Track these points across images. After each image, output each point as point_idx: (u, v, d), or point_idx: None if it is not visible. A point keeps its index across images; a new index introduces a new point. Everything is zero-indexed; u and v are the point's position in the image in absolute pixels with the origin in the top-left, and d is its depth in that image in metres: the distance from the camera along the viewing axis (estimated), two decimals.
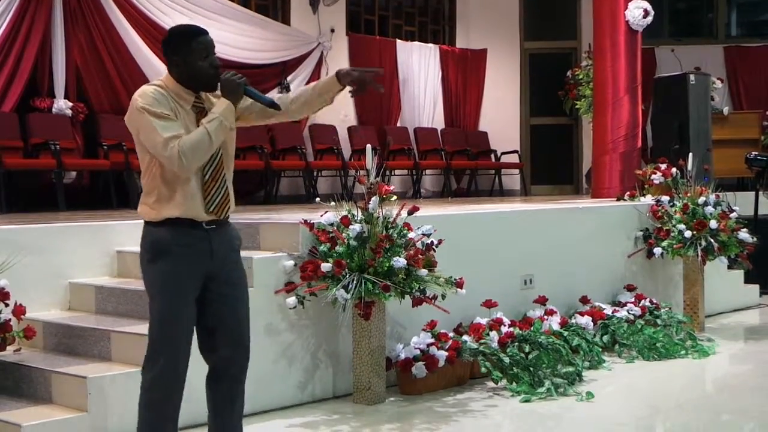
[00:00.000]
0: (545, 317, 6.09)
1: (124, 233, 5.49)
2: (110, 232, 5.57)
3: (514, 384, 5.32)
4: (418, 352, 5.33)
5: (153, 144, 3.37)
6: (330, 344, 5.23)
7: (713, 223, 7.00)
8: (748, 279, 8.52)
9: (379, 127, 11.77)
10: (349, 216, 5.03)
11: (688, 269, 7.35)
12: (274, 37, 10.78)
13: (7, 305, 4.62)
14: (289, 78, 10.74)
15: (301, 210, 6.53)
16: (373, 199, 5.02)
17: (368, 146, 5.23)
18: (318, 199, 5.78)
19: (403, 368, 5.27)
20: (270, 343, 4.95)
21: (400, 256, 4.89)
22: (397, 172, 11.79)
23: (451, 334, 5.56)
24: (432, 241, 5.13)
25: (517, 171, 12.92)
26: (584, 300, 6.62)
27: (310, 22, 11.25)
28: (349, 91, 3.80)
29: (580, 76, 12.03)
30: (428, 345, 5.37)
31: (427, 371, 5.26)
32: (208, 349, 3.58)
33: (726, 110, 11.76)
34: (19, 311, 4.68)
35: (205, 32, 3.53)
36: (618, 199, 7.91)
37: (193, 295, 3.48)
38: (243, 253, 5.00)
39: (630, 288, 7.07)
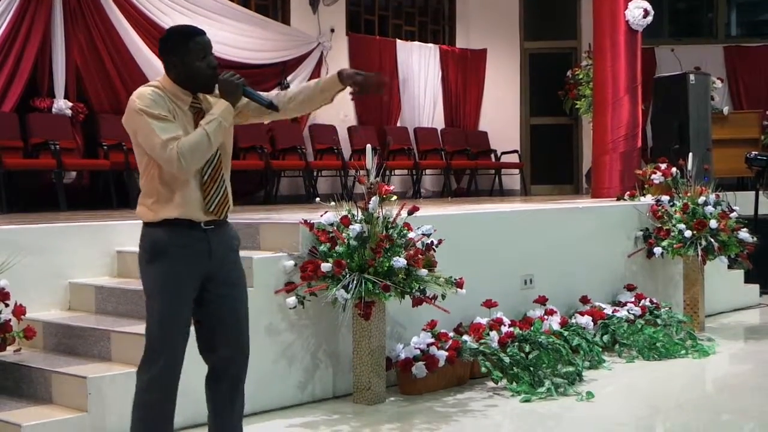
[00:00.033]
0: (545, 317, 6.09)
1: (125, 233, 5.49)
2: (110, 232, 5.57)
3: (515, 384, 5.32)
4: (418, 352, 5.33)
5: (151, 146, 3.36)
6: (330, 344, 5.23)
7: (713, 223, 7.00)
8: (748, 279, 8.52)
9: (379, 127, 11.77)
10: (349, 216, 5.03)
11: (688, 269, 7.35)
12: (274, 37, 10.78)
13: (7, 305, 4.63)
14: (289, 78, 10.74)
15: (301, 210, 6.53)
16: (373, 199, 5.02)
17: (368, 146, 5.22)
18: (318, 199, 5.78)
19: (403, 368, 5.27)
20: (270, 343, 4.95)
21: (400, 256, 4.89)
22: (397, 172, 11.79)
23: (451, 334, 5.56)
24: (432, 241, 5.13)
25: (517, 171, 12.93)
26: (584, 300, 6.62)
27: (310, 22, 11.26)
28: (350, 93, 3.78)
29: (580, 76, 12.03)
30: (428, 345, 5.37)
31: (427, 371, 5.26)
32: (207, 349, 3.58)
33: (726, 110, 11.76)
34: (19, 311, 4.68)
35: (202, 33, 3.52)
36: (618, 199, 7.91)
37: (191, 295, 3.48)
38: (243, 253, 5.00)
39: (630, 288, 7.07)
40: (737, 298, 8.42)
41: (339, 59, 11.48)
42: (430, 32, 13.19)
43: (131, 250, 5.28)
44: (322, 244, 4.99)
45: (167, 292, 3.43)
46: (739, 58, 13.45)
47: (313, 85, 3.77)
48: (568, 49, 13.33)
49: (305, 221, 5.06)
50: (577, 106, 12.19)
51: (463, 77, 13.12)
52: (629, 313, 6.60)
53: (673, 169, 7.68)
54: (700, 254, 7.01)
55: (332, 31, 11.46)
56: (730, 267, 7.96)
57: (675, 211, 7.21)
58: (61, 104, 8.74)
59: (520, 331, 5.68)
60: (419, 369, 5.24)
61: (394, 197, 5.15)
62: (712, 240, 7.00)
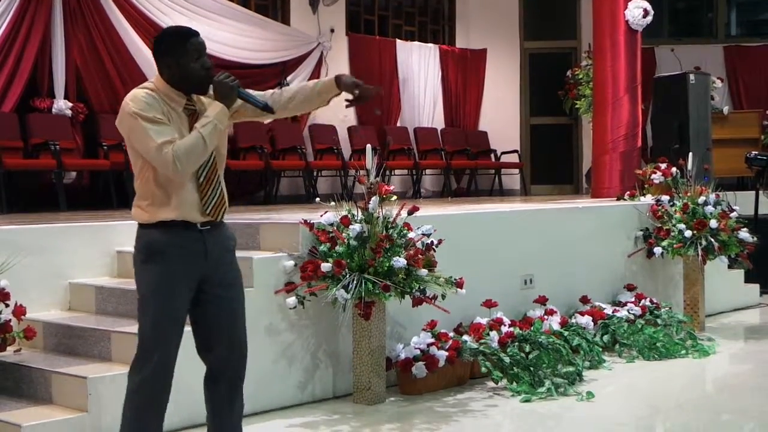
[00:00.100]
0: (545, 317, 6.08)
1: (125, 233, 5.48)
2: (110, 232, 5.57)
3: (515, 384, 5.32)
4: (418, 352, 5.33)
5: (146, 149, 3.35)
6: (330, 344, 5.23)
7: (713, 223, 7.00)
8: (749, 278, 8.52)
9: (379, 127, 11.77)
10: (349, 216, 5.03)
11: (689, 269, 7.35)
12: (274, 37, 10.78)
13: (7, 306, 4.63)
14: (289, 78, 10.74)
15: (301, 210, 6.53)
16: (373, 199, 5.02)
17: (368, 146, 5.22)
18: (318, 199, 5.78)
19: (403, 368, 5.27)
20: (270, 343, 4.95)
21: (400, 256, 4.89)
22: (397, 172, 11.80)
23: (451, 334, 5.56)
24: (432, 241, 5.13)
25: (517, 171, 12.93)
26: (584, 300, 6.62)
27: (309, 22, 11.26)
28: (346, 100, 3.76)
29: (580, 76, 12.03)
30: (428, 345, 5.37)
31: (427, 371, 5.25)
32: (204, 349, 3.58)
33: (726, 110, 11.75)
34: (19, 312, 4.68)
35: (196, 34, 3.49)
36: (618, 199, 7.91)
37: (186, 296, 3.47)
38: (243, 253, 5.03)
39: (630, 288, 7.07)
40: (737, 298, 8.42)
41: (339, 59, 11.49)
42: (430, 32, 13.19)
43: (131, 251, 5.27)
44: (322, 244, 4.99)
45: (161, 292, 3.42)
46: (739, 57, 13.44)
47: (310, 87, 3.76)
48: (568, 49, 13.33)
49: (305, 221, 5.06)
50: (577, 106, 12.19)
51: (463, 77, 13.12)
52: (629, 313, 6.60)
53: (673, 169, 7.68)
54: (700, 254, 7.01)
55: (332, 31, 11.46)
56: (730, 267, 7.96)
57: (675, 210, 7.21)
58: (61, 104, 8.74)
59: (520, 331, 5.68)
60: (419, 369, 5.24)
61: (394, 197, 5.15)
62: (712, 240, 7.00)
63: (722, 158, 9.94)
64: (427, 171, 12.24)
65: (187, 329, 3.55)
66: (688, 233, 7.01)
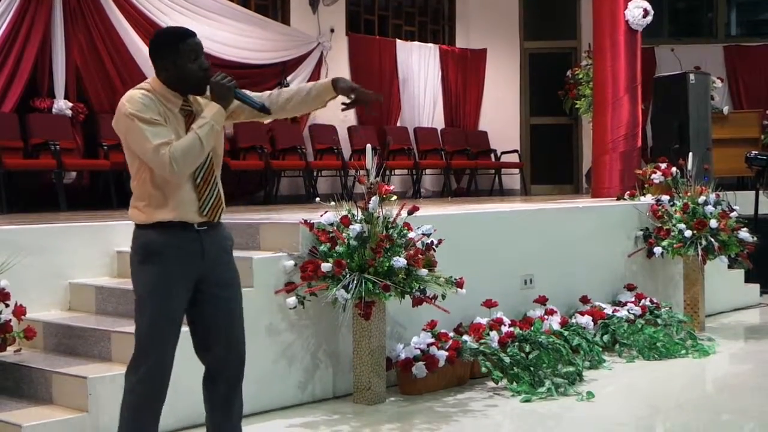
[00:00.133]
0: (545, 317, 6.08)
1: (125, 233, 5.43)
2: (110, 232, 5.57)
3: (515, 384, 5.32)
4: (418, 352, 5.33)
5: (143, 150, 3.34)
6: (330, 344, 5.23)
7: (713, 223, 7.00)
8: (749, 278, 8.52)
9: (379, 127, 11.77)
10: (349, 216, 5.03)
11: (689, 269, 7.35)
12: (274, 37, 10.78)
13: (7, 306, 4.63)
14: (289, 78, 10.75)
15: (301, 210, 6.53)
16: (373, 199, 5.02)
17: (368, 146, 5.22)
18: (318, 199, 5.77)
19: (404, 368, 5.27)
20: (270, 343, 4.95)
21: (400, 256, 4.89)
22: (397, 172, 11.80)
23: (451, 334, 5.56)
24: (432, 241, 5.13)
25: (517, 171, 12.93)
26: (584, 300, 6.62)
27: (309, 22, 11.26)
28: (342, 103, 3.76)
29: (580, 76, 12.03)
30: (428, 345, 5.37)
31: (428, 371, 5.26)
32: (202, 349, 3.57)
33: (726, 109, 11.75)
34: (19, 312, 4.68)
35: (193, 34, 3.48)
36: (618, 199, 7.90)
37: (183, 296, 3.46)
38: (243, 253, 5.03)
39: (630, 287, 7.07)
40: (737, 298, 8.42)
41: (339, 59, 11.49)
42: (430, 32, 13.19)
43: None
44: (322, 244, 4.99)
45: (158, 293, 3.42)
46: (739, 57, 13.45)
47: (307, 89, 3.75)
48: (568, 49, 13.34)
49: (305, 221, 5.06)
50: (577, 106, 12.19)
51: (463, 77, 13.12)
52: (629, 312, 6.60)
53: (673, 169, 7.68)
54: (700, 254, 7.01)
55: (332, 31, 11.46)
56: (730, 267, 7.96)
57: (675, 210, 7.21)
58: (61, 104, 8.74)
59: (521, 331, 5.68)
60: (419, 369, 5.24)
61: (394, 197, 5.15)
62: (712, 240, 7.00)
63: (722, 158, 9.94)
64: (427, 171, 12.24)
65: (185, 329, 3.56)
66: (688, 233, 7.01)
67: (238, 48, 10.24)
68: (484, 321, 5.71)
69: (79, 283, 5.36)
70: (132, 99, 3.37)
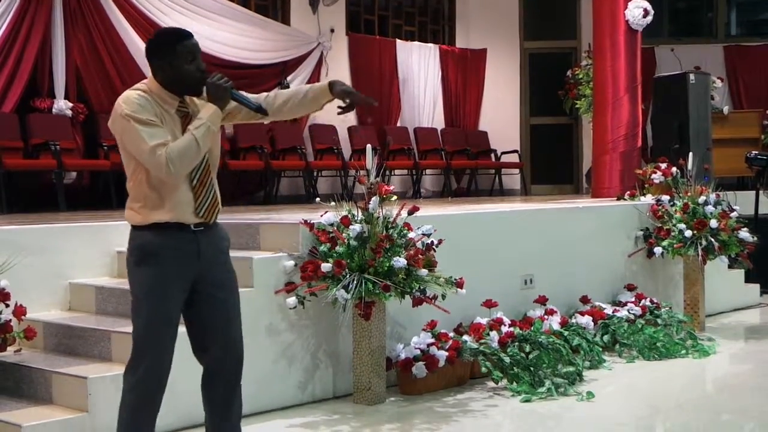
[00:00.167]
0: (545, 317, 6.08)
1: (125, 233, 5.39)
2: (110, 232, 5.57)
3: (515, 384, 5.32)
4: (418, 352, 5.33)
5: (139, 151, 3.34)
6: (330, 344, 5.23)
7: (713, 223, 7.00)
8: (749, 278, 8.52)
9: (379, 127, 11.77)
10: (349, 216, 5.03)
11: (689, 269, 7.35)
12: (274, 37, 10.78)
13: (7, 306, 4.63)
14: (289, 78, 10.75)
15: (301, 210, 6.53)
16: (373, 199, 5.02)
17: (368, 146, 5.22)
18: (318, 199, 5.78)
19: (404, 368, 5.27)
20: (270, 343, 4.95)
21: (400, 256, 4.89)
22: (397, 172, 11.80)
23: (451, 334, 5.56)
24: (432, 241, 5.13)
25: (517, 171, 12.93)
26: (584, 300, 6.62)
27: (309, 22, 11.26)
28: (339, 107, 3.76)
29: (580, 76, 12.03)
30: (428, 345, 5.37)
31: (428, 371, 5.26)
32: (199, 349, 3.58)
33: (726, 109, 11.75)
34: (19, 312, 4.68)
35: (190, 35, 3.48)
36: (618, 199, 7.90)
37: (180, 297, 3.47)
38: (243, 253, 5.04)
39: (630, 288, 7.07)
40: (737, 298, 8.42)
41: (339, 59, 11.49)
42: (430, 32, 13.19)
43: None
44: (323, 244, 4.99)
45: (155, 294, 3.42)
46: (739, 57, 13.45)
47: (304, 92, 3.75)
48: (568, 49, 13.34)
49: (305, 221, 5.06)
50: (577, 106, 12.19)
51: (463, 77, 13.12)
52: (629, 313, 6.60)
53: (673, 169, 7.68)
54: (700, 254, 7.01)
55: (332, 31, 11.46)
56: (730, 267, 7.96)
57: (675, 210, 7.21)
58: (62, 105, 8.75)
59: (521, 331, 5.68)
60: (419, 369, 5.24)
61: (394, 197, 5.15)
62: (713, 240, 7.00)
63: (722, 158, 9.94)
64: (427, 171, 12.24)
65: (183, 330, 3.56)
66: (688, 233, 7.01)
67: (238, 48, 10.24)
68: (484, 321, 5.71)
69: (79, 283, 5.36)
70: (128, 100, 3.37)
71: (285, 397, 5.02)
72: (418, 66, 12.54)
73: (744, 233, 7.21)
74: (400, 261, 4.85)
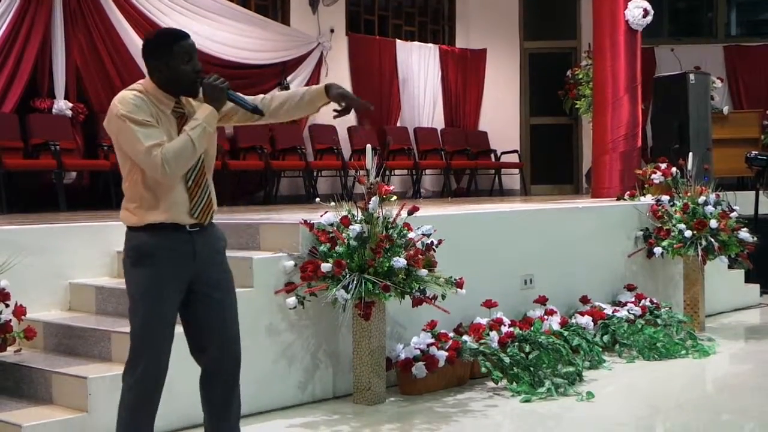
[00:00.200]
0: (545, 317, 6.08)
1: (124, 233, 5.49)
2: (110, 232, 5.56)
3: (515, 384, 5.32)
4: (418, 352, 5.33)
5: (135, 152, 3.33)
6: (330, 344, 5.23)
7: (713, 223, 7.00)
8: (749, 278, 8.51)
9: (379, 127, 11.77)
10: (349, 216, 5.03)
11: (689, 269, 7.35)
12: (274, 38, 10.78)
13: (7, 306, 4.63)
14: (288, 78, 10.76)
15: (301, 210, 6.53)
16: (373, 199, 5.02)
17: (368, 146, 5.22)
18: (318, 199, 5.77)
19: (403, 368, 5.27)
20: (270, 343, 4.95)
21: (400, 256, 4.89)
22: (397, 172, 11.80)
23: (451, 334, 5.56)
24: (432, 241, 5.13)
25: (517, 171, 12.93)
26: (584, 300, 6.62)
27: (309, 23, 11.26)
28: (334, 110, 3.76)
29: (580, 76, 12.03)
30: (428, 345, 5.37)
31: (427, 371, 5.26)
32: (196, 349, 3.58)
33: (726, 109, 11.75)
34: (19, 312, 4.68)
35: (187, 36, 3.48)
36: (618, 199, 7.90)
37: (176, 297, 3.46)
38: (243, 253, 5.04)
39: (630, 288, 7.07)
40: (737, 298, 8.42)
41: (339, 59, 11.49)
42: (430, 32, 13.20)
43: None
44: (322, 244, 4.99)
45: (151, 295, 3.42)
46: (739, 57, 13.45)
47: (300, 94, 3.75)
48: (568, 49, 13.34)
49: (305, 221, 5.06)
50: (576, 106, 12.20)
51: (462, 77, 13.12)
52: (629, 313, 6.60)
53: (673, 169, 7.68)
54: (700, 254, 7.01)
55: (332, 31, 11.46)
56: (730, 267, 7.96)
57: (675, 210, 7.21)
58: (62, 105, 8.75)
59: (520, 331, 5.68)
60: (419, 369, 5.24)
61: (394, 197, 5.15)
62: (713, 240, 7.00)
63: (722, 158, 9.95)
64: (427, 171, 12.24)
65: (180, 330, 3.56)
66: (688, 233, 7.01)
67: (238, 48, 10.25)
68: (484, 321, 5.71)
69: (79, 283, 5.36)
70: (124, 100, 3.36)
71: (285, 397, 5.02)
72: (418, 66, 12.54)
73: (744, 233, 7.21)
74: (400, 261, 4.85)
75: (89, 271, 5.45)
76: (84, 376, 4.33)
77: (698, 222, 7.01)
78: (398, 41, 12.38)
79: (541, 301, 6.25)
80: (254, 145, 9.98)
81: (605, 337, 6.29)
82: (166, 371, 3.50)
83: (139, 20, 9.33)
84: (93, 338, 4.75)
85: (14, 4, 8.45)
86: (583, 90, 11.75)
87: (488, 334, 5.58)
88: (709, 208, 7.12)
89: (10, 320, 4.62)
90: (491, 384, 5.43)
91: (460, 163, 12.35)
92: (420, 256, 5.00)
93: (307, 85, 10.81)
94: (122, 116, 3.33)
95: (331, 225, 5.03)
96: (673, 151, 8.20)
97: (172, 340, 3.49)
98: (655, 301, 6.92)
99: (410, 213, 5.14)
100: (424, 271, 4.99)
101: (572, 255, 6.75)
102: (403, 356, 5.30)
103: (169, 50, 3.41)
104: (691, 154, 7.58)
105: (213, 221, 3.58)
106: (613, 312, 6.54)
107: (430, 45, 12.88)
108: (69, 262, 5.37)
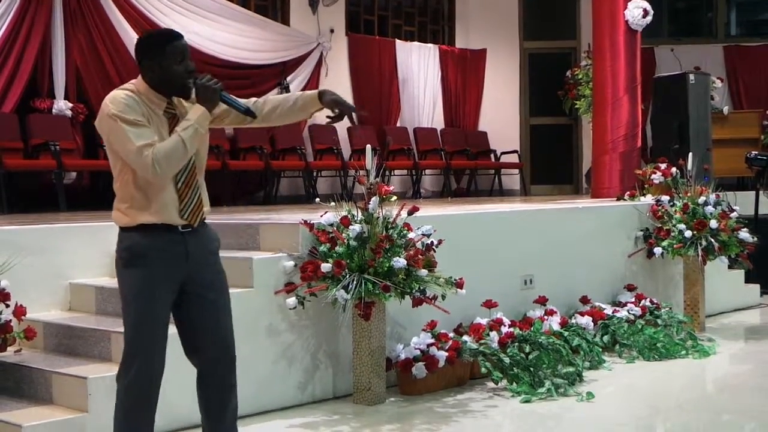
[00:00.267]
0: (545, 317, 6.08)
1: None
2: (110, 232, 5.47)
3: (515, 384, 5.32)
4: (418, 352, 5.33)
5: (125, 152, 3.32)
6: (330, 345, 5.23)
7: (713, 223, 7.00)
8: (749, 279, 8.51)
9: (379, 127, 11.77)
10: (349, 216, 5.03)
11: (689, 269, 7.35)
12: (274, 38, 10.78)
13: (7, 306, 4.63)
14: (288, 78, 10.76)
15: (301, 210, 6.53)
16: (373, 199, 5.02)
17: (368, 146, 5.22)
18: (318, 199, 5.77)
19: (403, 368, 5.27)
20: (270, 343, 4.95)
21: (400, 257, 4.89)
22: (396, 172, 11.80)
23: (451, 335, 5.56)
24: (432, 242, 5.13)
25: (516, 171, 12.93)
26: (584, 300, 6.62)
27: (309, 23, 11.26)
28: (327, 116, 3.76)
29: (580, 76, 12.04)
30: (428, 345, 5.37)
31: (427, 371, 5.26)
32: (191, 351, 3.57)
33: (726, 110, 11.76)
34: (19, 312, 4.68)
35: (180, 36, 3.48)
36: (618, 199, 7.91)
37: (169, 298, 3.46)
38: (243, 253, 5.04)
39: (630, 288, 7.07)
40: (737, 298, 8.42)
41: (339, 59, 11.49)
42: (430, 32, 13.20)
43: None
44: (322, 244, 4.99)
45: (143, 296, 3.40)
46: (739, 57, 13.45)
47: (293, 99, 3.76)
48: (568, 49, 13.34)
49: (305, 221, 5.06)
50: (576, 106, 12.20)
51: (462, 77, 13.12)
52: (629, 313, 6.60)
53: (673, 169, 7.68)
54: (700, 254, 7.01)
55: (332, 31, 11.47)
56: (730, 267, 7.96)
57: (675, 211, 7.21)
58: (62, 105, 8.75)
59: (520, 332, 5.68)
60: (419, 369, 5.24)
61: (394, 197, 5.15)
62: (713, 240, 7.00)
63: (722, 158, 9.95)
64: (427, 171, 12.25)
65: (174, 331, 3.55)
66: (688, 233, 7.01)
67: (238, 48, 10.24)
68: (484, 321, 5.71)
69: (79, 284, 5.36)
70: (115, 99, 3.36)
71: (285, 398, 5.02)
72: (418, 66, 12.54)
73: (744, 233, 7.21)
74: (399, 261, 4.85)
75: (89, 271, 5.44)
76: (84, 376, 4.33)
77: (698, 222, 7.01)
78: (398, 41, 12.38)
79: (541, 301, 6.25)
80: (254, 146, 9.98)
81: (605, 338, 6.29)
82: (162, 372, 3.49)
83: (139, 20, 9.32)
84: (93, 338, 4.75)
85: (14, 4, 8.45)
86: (583, 90, 11.76)
87: (488, 335, 5.58)
88: (709, 209, 7.12)
89: (10, 320, 4.62)
90: (491, 384, 5.43)
91: (459, 164, 12.36)
92: (420, 256, 5.00)
93: (306, 85, 10.83)
94: (113, 116, 3.32)
95: (331, 225, 5.04)
96: (673, 151, 8.21)
97: (165, 340, 3.48)
98: (655, 301, 6.92)
99: (410, 213, 5.14)
100: (424, 272, 4.99)
101: (572, 255, 6.75)
102: (403, 356, 5.30)
103: (162, 50, 3.41)
104: (691, 154, 7.58)
105: (206, 221, 3.57)
106: (613, 312, 6.54)
107: (430, 45, 12.88)
108: (69, 262, 5.36)
